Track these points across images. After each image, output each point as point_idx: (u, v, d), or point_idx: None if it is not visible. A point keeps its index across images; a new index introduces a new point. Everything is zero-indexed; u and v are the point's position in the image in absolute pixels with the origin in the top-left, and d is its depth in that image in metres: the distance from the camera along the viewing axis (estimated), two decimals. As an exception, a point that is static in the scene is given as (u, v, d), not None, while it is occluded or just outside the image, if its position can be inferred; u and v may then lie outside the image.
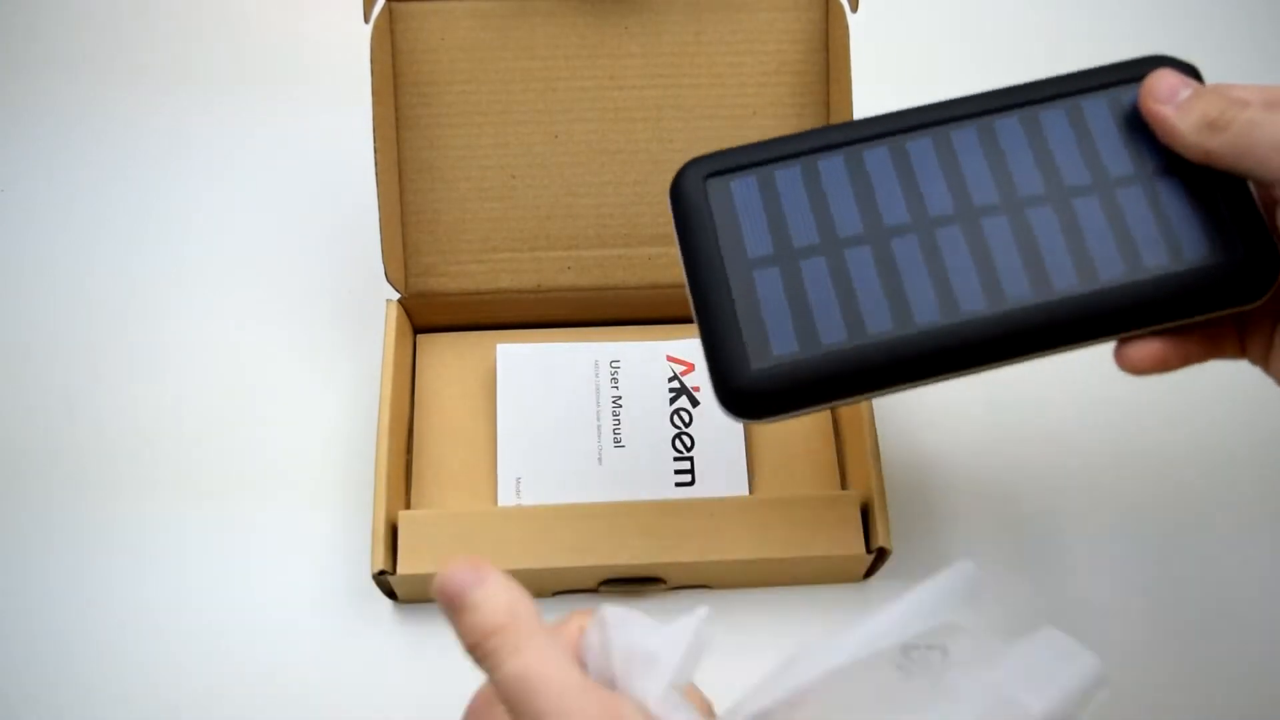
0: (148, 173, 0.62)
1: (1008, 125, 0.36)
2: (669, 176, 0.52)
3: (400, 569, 0.45)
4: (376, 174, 0.50)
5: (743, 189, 0.35)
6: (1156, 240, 0.34)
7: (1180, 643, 0.49)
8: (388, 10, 0.51)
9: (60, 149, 0.62)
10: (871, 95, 0.53)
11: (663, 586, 0.49)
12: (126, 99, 0.64)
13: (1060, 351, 0.34)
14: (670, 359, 0.54)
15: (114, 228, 0.60)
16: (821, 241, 0.35)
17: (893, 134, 0.36)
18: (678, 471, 0.51)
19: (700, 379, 0.53)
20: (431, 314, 0.55)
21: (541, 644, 0.27)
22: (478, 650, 0.27)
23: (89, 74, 0.65)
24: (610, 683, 0.28)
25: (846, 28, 0.51)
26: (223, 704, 0.47)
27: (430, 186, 0.53)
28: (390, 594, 0.48)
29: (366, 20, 0.49)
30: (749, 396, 0.34)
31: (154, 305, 0.57)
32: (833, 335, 0.34)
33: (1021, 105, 0.36)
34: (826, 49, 0.52)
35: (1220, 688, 0.48)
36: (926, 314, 0.34)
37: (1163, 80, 0.34)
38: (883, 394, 0.34)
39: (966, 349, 0.34)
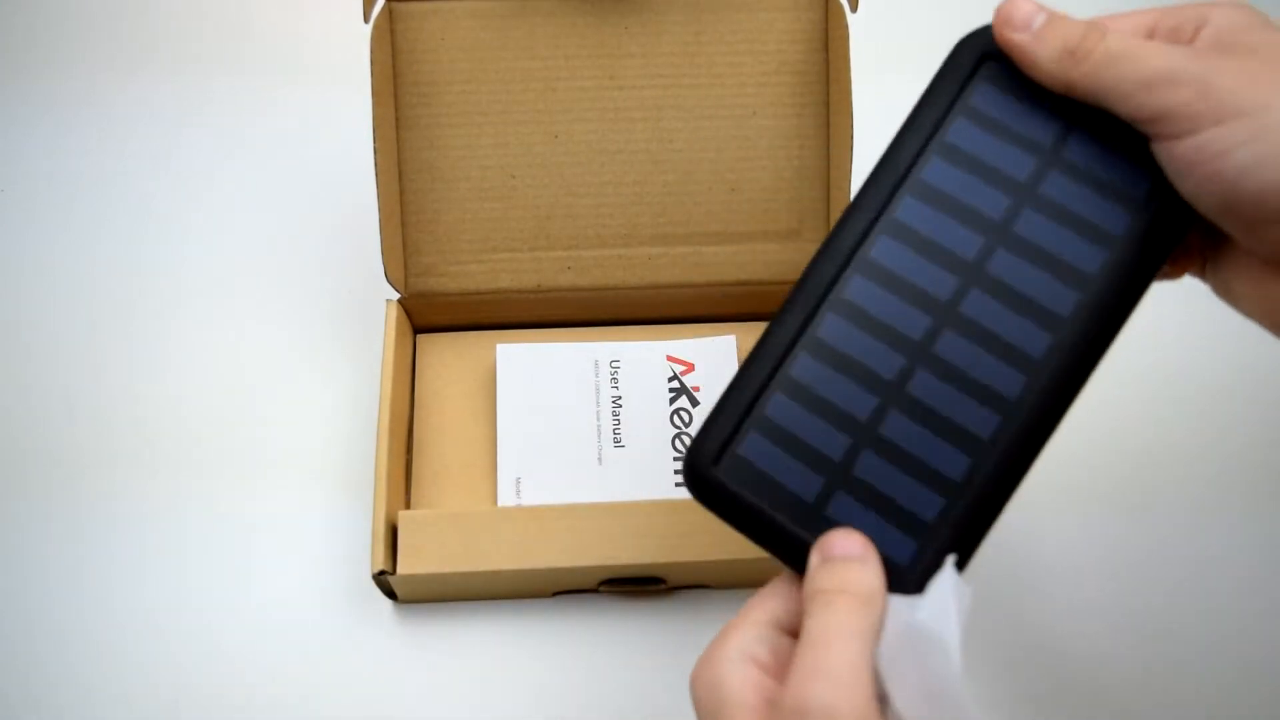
0: (147, 173, 0.62)
1: (910, 209, 0.34)
2: (669, 176, 0.53)
3: (400, 569, 0.45)
4: (376, 174, 0.50)
5: (754, 448, 0.33)
6: (1104, 205, 0.33)
7: (1167, 631, 0.49)
8: (388, 10, 0.51)
9: (60, 150, 0.62)
10: (871, 95, 0.53)
11: (662, 586, 0.49)
12: (126, 99, 0.64)
13: (1102, 358, 0.33)
14: (670, 359, 0.54)
15: (114, 228, 0.60)
16: (854, 439, 0.32)
17: (826, 293, 0.33)
18: (678, 471, 0.51)
19: (700, 379, 0.53)
20: (431, 314, 0.55)
21: (861, 631, 0.29)
22: (820, 594, 0.30)
23: (88, 75, 0.65)
24: (892, 667, 0.29)
25: (846, 28, 0.51)
26: (223, 704, 0.47)
27: (430, 186, 0.53)
28: (390, 594, 0.48)
29: (366, 20, 0.49)
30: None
31: (154, 305, 0.57)
32: (930, 508, 0.32)
33: (903, 179, 0.34)
34: (826, 49, 0.52)
35: (1206, 676, 0.48)
36: (986, 426, 0.32)
37: (1018, 8, 0.32)
38: (1005, 508, 0.33)
39: (1037, 426, 0.32)
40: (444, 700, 0.47)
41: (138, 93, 0.64)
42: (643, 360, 0.54)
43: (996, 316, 0.33)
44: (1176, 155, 0.30)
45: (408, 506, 0.51)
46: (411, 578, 0.46)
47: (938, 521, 0.31)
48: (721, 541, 0.46)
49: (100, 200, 0.61)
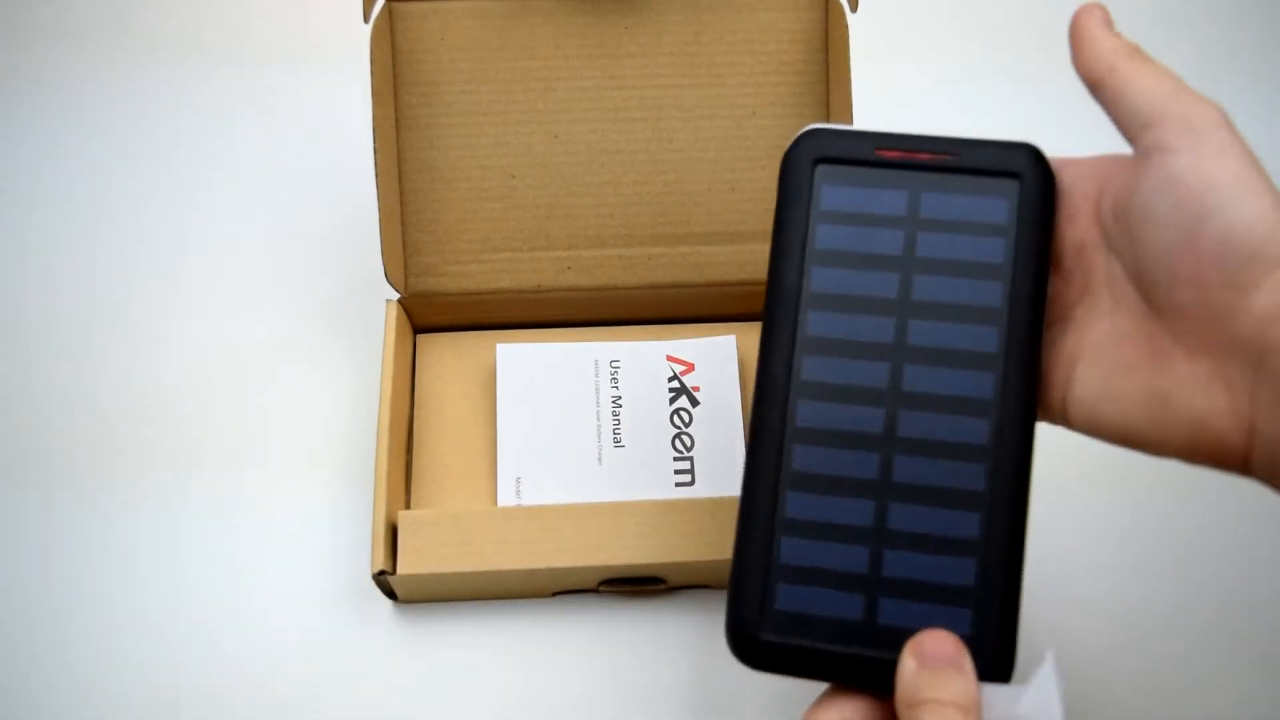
0: (147, 173, 0.62)
1: (816, 322, 0.35)
2: (669, 176, 0.53)
3: (400, 569, 0.45)
4: (376, 174, 0.50)
5: (788, 598, 0.33)
6: (979, 241, 0.35)
7: (1171, 626, 0.49)
8: (388, 10, 0.51)
9: (58, 150, 0.62)
10: (872, 95, 0.53)
11: (662, 586, 0.49)
12: (124, 99, 0.64)
13: (1040, 363, 0.35)
14: (670, 359, 0.54)
15: (112, 230, 0.60)
16: (870, 546, 0.33)
17: (783, 430, 0.34)
18: (678, 471, 0.51)
19: (700, 379, 0.53)
20: (431, 314, 0.55)
21: None
22: (928, 705, 0.30)
23: (87, 75, 0.65)
24: None
25: (846, 28, 0.51)
26: (222, 704, 0.47)
27: (430, 186, 0.53)
28: (390, 594, 0.48)
29: (366, 20, 0.49)
30: (1005, 656, 0.32)
31: (153, 306, 0.57)
32: (966, 573, 0.33)
33: (798, 298, 0.35)
34: (826, 49, 0.52)
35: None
36: (976, 478, 0.33)
37: (1102, 9, 0.35)
38: (1028, 531, 0.34)
39: (1018, 451, 0.33)
40: (444, 700, 0.47)
41: (136, 93, 0.64)
42: (643, 360, 0.54)
43: (937, 379, 0.34)
44: (1167, 168, 0.32)
45: (408, 506, 0.51)
46: (411, 578, 0.46)
47: (980, 580, 0.32)
48: (721, 541, 0.46)
49: (99, 201, 0.61)
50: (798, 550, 0.34)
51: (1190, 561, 0.51)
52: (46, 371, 0.55)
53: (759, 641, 0.33)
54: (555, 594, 0.50)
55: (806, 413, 0.35)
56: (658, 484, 0.51)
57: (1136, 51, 0.34)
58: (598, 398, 0.53)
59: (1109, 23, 0.35)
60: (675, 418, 0.52)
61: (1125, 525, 0.52)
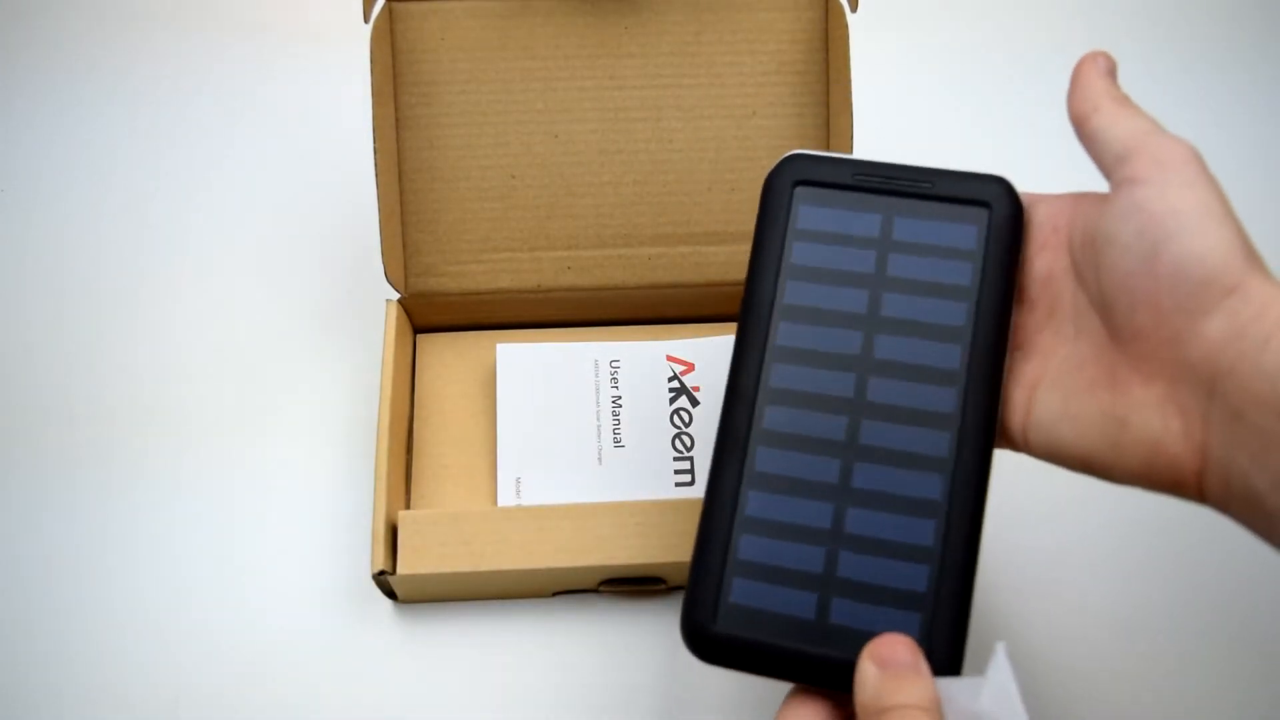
0: (146, 174, 0.62)
1: (787, 332, 0.36)
2: (669, 176, 0.53)
3: (400, 569, 0.45)
4: (376, 174, 0.50)
5: (743, 592, 0.34)
6: (946, 264, 0.36)
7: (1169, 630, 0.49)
8: (388, 10, 0.51)
9: (56, 151, 0.62)
10: (872, 95, 0.53)
11: (662, 586, 0.49)
12: (123, 97, 0.64)
13: (1002, 383, 0.35)
14: (670, 359, 0.54)
15: (110, 232, 0.60)
16: (827, 547, 0.34)
17: (749, 431, 0.35)
18: (678, 471, 0.51)
19: (700, 379, 0.53)
20: (431, 314, 0.55)
21: None
22: (893, 712, 0.30)
23: (84, 74, 0.65)
24: None
25: (846, 27, 0.51)
26: (222, 704, 0.47)
27: (430, 186, 0.53)
28: (390, 594, 0.48)
29: (366, 20, 0.49)
30: (953, 663, 0.33)
31: (152, 306, 0.57)
32: (919, 579, 0.33)
33: (771, 309, 0.37)
34: (826, 49, 0.52)
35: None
36: (934, 488, 0.34)
37: (1108, 58, 0.36)
38: (981, 542, 0.34)
39: (976, 466, 0.34)
40: (444, 700, 0.47)
41: (136, 92, 0.64)
42: (643, 360, 0.54)
43: (900, 392, 0.35)
44: (1133, 197, 0.33)
45: (408, 506, 0.51)
46: (411, 578, 0.46)
47: (932, 587, 0.33)
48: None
49: (98, 202, 0.61)
50: (755, 547, 0.34)
51: (1187, 561, 0.51)
52: (45, 371, 0.55)
53: (711, 634, 0.34)
54: (555, 594, 0.50)
55: (772, 417, 0.35)
56: (658, 484, 0.51)
57: (1124, 98, 0.35)
58: (598, 398, 0.53)
59: (1109, 71, 0.36)
60: (675, 418, 0.52)
61: (1121, 524, 0.52)
